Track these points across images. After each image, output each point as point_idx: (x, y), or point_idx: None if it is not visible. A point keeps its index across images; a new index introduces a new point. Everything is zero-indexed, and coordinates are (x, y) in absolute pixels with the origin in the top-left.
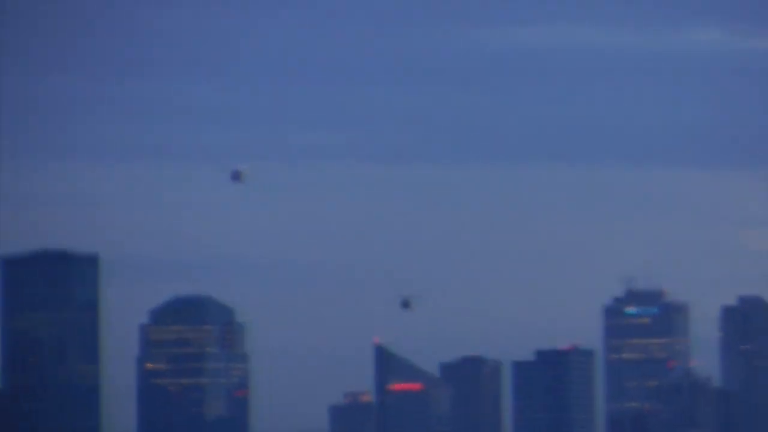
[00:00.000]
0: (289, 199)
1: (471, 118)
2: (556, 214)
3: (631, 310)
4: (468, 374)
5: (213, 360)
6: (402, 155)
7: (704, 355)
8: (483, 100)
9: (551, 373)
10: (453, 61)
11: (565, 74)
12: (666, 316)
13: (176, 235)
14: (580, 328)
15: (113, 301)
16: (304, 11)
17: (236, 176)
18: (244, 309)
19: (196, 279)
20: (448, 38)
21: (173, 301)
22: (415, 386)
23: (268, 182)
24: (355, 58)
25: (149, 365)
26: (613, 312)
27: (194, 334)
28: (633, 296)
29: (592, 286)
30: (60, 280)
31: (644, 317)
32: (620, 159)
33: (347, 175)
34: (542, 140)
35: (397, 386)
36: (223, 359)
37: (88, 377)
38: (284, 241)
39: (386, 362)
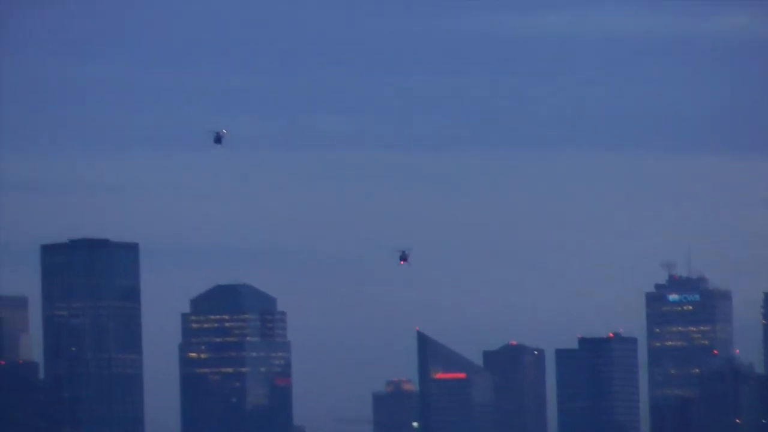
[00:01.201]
0: (322, 187)
1: (502, 103)
2: (595, 200)
3: (673, 297)
4: (510, 362)
5: (254, 349)
6: (434, 142)
7: (747, 342)
8: (514, 85)
9: (594, 361)
10: (482, 47)
11: (597, 59)
12: (708, 302)
13: (214, 224)
14: (623, 315)
15: (154, 290)
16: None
17: (218, 139)
18: (286, 297)
19: (237, 268)
20: (476, 24)
21: (214, 289)
22: (457, 375)
23: (301, 170)
24: (383, 43)
25: (190, 354)
26: (655, 299)
27: (235, 322)
28: (675, 283)
29: (634, 273)
30: (100, 269)
31: (687, 304)
32: (658, 145)
33: (378, 162)
34: (577, 126)
35: (439, 375)
36: (264, 348)
37: (129, 366)
38: (321, 230)
39: (428, 351)
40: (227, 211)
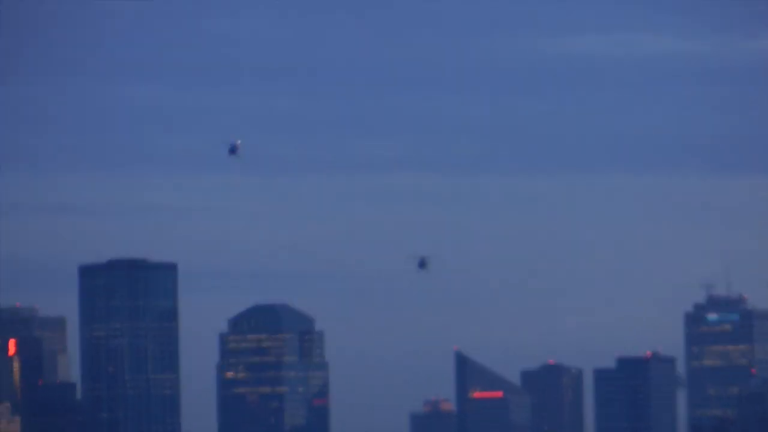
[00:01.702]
0: (357, 207)
1: (535, 127)
2: (634, 221)
3: (712, 317)
4: (548, 382)
5: (292, 368)
6: (471, 165)
7: None
8: (547, 108)
9: (632, 381)
10: (518, 70)
11: (634, 83)
12: (747, 322)
13: (252, 245)
14: (661, 335)
15: (192, 310)
16: (367, 21)
17: (233, 150)
18: (324, 317)
19: (274, 288)
20: (510, 47)
21: (251, 309)
22: (495, 394)
23: (335, 191)
24: (418, 67)
25: (228, 374)
26: (694, 319)
27: (273, 342)
28: (713, 303)
29: (673, 292)
30: (138, 289)
31: (725, 324)
32: (695, 166)
33: (418, 185)
34: (615, 148)
35: (477, 394)
36: (301, 368)
37: (167, 386)
38: (360, 250)
39: (466, 370)
40: (266, 232)
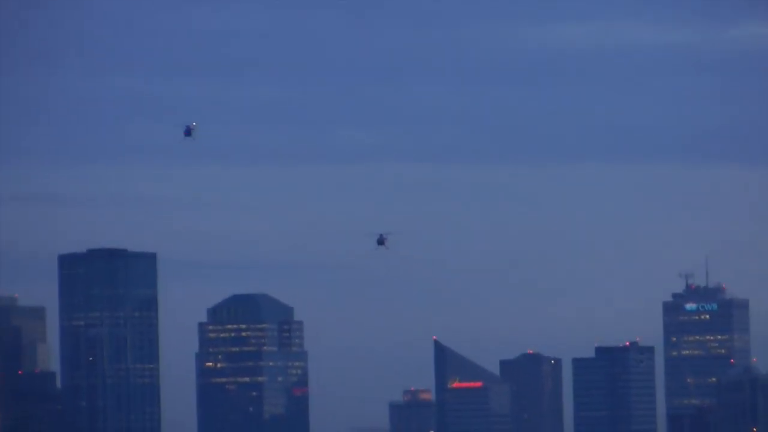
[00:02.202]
0: (337, 198)
1: (518, 116)
2: (611, 211)
3: (690, 306)
4: (528, 372)
5: (271, 358)
6: (449, 154)
7: (764, 351)
8: (530, 98)
9: (611, 370)
10: (499, 60)
11: (614, 72)
12: (726, 312)
13: (232, 235)
14: (640, 324)
15: (171, 300)
16: (350, 10)
17: (188, 132)
18: (303, 307)
19: (254, 278)
20: (492, 36)
21: (231, 299)
22: (475, 384)
23: (316, 182)
24: (401, 56)
25: (208, 364)
26: (672, 308)
27: (252, 332)
28: (692, 293)
29: (651, 282)
30: (118, 279)
31: (704, 313)
32: (674, 157)
33: (398, 175)
34: (592, 138)
35: (456, 384)
36: (281, 357)
37: (146, 376)
38: (339, 241)
39: (445, 360)
40: (246, 223)
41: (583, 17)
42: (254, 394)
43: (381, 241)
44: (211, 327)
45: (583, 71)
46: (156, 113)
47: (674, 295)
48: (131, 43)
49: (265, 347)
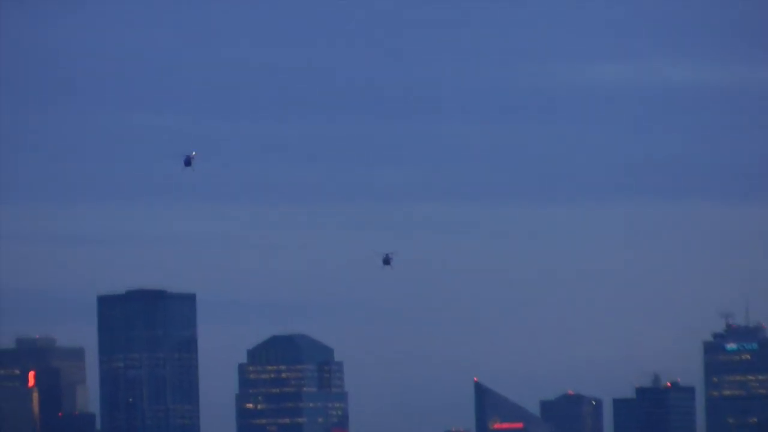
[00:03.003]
0: (378, 238)
1: (551, 154)
2: (653, 251)
3: (731, 346)
4: (568, 412)
5: (311, 399)
6: (490, 193)
7: None
8: (563, 136)
9: (651, 410)
10: (534, 97)
11: (646, 110)
12: (766, 351)
13: (271, 276)
14: (680, 364)
15: (211, 341)
16: (389, 48)
17: (188, 162)
18: (343, 348)
19: (293, 319)
20: (527, 74)
21: (271, 340)
22: (515, 425)
23: (351, 222)
24: (443, 94)
25: (247, 405)
26: (712, 348)
27: (292, 373)
28: (733, 332)
29: (691, 322)
30: (157, 320)
31: (744, 353)
32: (715, 195)
33: (432, 215)
34: (632, 175)
35: (497, 425)
36: (321, 398)
37: (186, 417)
38: (378, 281)
39: (486, 400)
40: (284, 263)
41: (622, 56)
42: None
43: (387, 261)
44: (251, 368)
45: (620, 109)
46: (191, 152)
47: (714, 335)
48: (162, 79)
49: (304, 388)
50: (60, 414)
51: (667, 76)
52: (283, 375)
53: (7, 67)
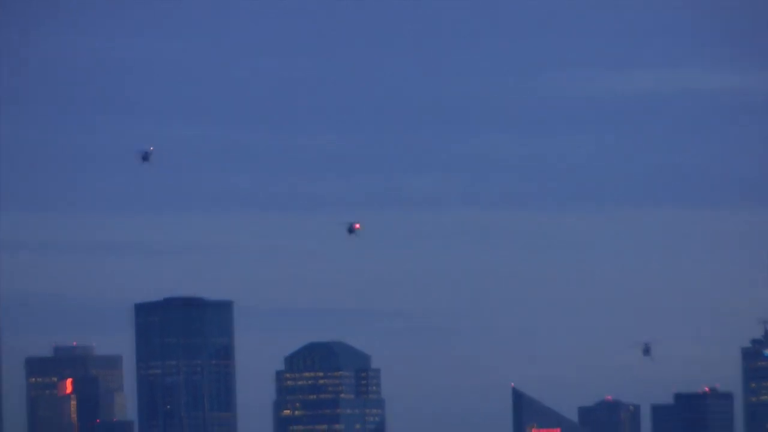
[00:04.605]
0: (408, 246)
1: (585, 163)
2: (691, 255)
3: None
4: (606, 418)
5: (348, 406)
6: (519, 201)
7: None
8: (596, 143)
9: (690, 417)
10: (566, 107)
11: (680, 117)
12: None
13: (307, 282)
14: (719, 370)
15: (248, 348)
16: (416, 59)
17: (146, 156)
18: (380, 355)
19: (330, 325)
20: (560, 83)
21: (307, 347)
22: (553, 431)
23: (386, 231)
24: (469, 104)
25: (285, 412)
26: (751, 354)
27: (329, 380)
28: None
29: (730, 328)
30: (194, 327)
31: None
32: (753, 200)
33: (468, 223)
34: (669, 183)
35: (534, 431)
36: (358, 405)
37: (223, 424)
38: (415, 287)
39: (523, 406)
40: (321, 270)
41: (651, 64)
42: None
43: (351, 230)
44: (288, 375)
45: (653, 117)
46: (226, 161)
47: (753, 341)
48: (195, 89)
49: (342, 395)
50: (98, 421)
51: (701, 83)
52: (321, 382)
53: (53, 76)
